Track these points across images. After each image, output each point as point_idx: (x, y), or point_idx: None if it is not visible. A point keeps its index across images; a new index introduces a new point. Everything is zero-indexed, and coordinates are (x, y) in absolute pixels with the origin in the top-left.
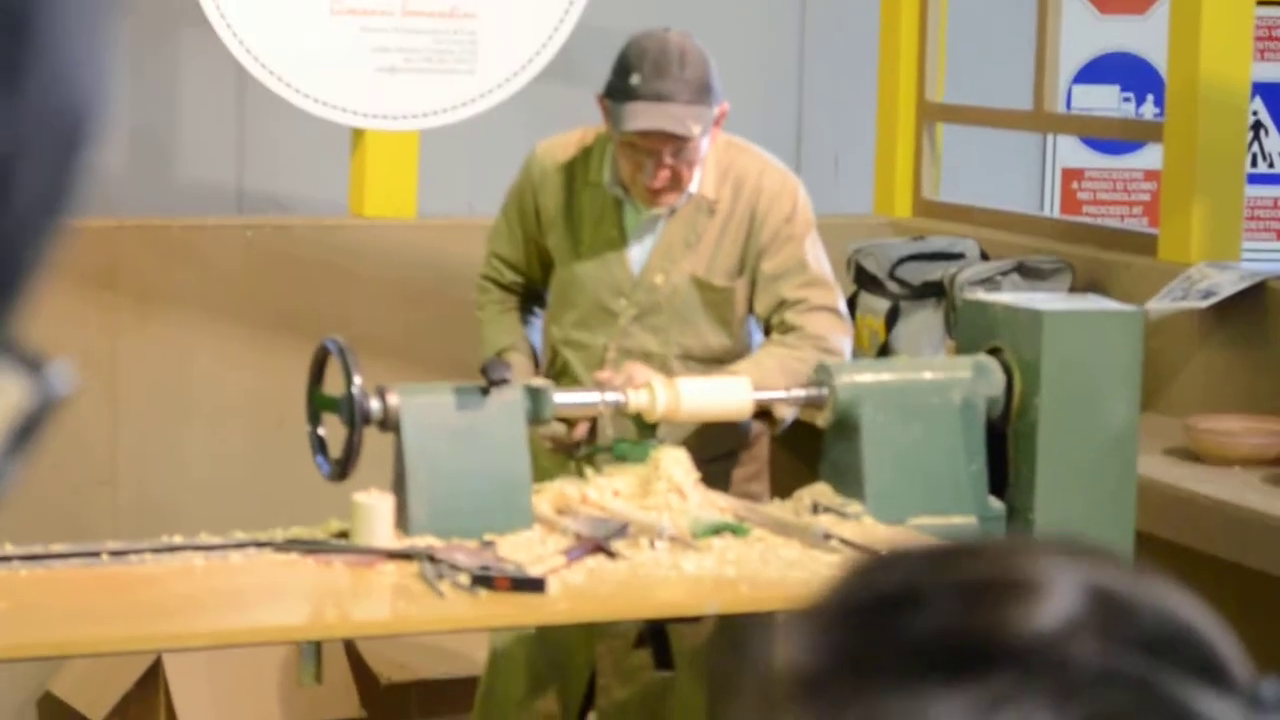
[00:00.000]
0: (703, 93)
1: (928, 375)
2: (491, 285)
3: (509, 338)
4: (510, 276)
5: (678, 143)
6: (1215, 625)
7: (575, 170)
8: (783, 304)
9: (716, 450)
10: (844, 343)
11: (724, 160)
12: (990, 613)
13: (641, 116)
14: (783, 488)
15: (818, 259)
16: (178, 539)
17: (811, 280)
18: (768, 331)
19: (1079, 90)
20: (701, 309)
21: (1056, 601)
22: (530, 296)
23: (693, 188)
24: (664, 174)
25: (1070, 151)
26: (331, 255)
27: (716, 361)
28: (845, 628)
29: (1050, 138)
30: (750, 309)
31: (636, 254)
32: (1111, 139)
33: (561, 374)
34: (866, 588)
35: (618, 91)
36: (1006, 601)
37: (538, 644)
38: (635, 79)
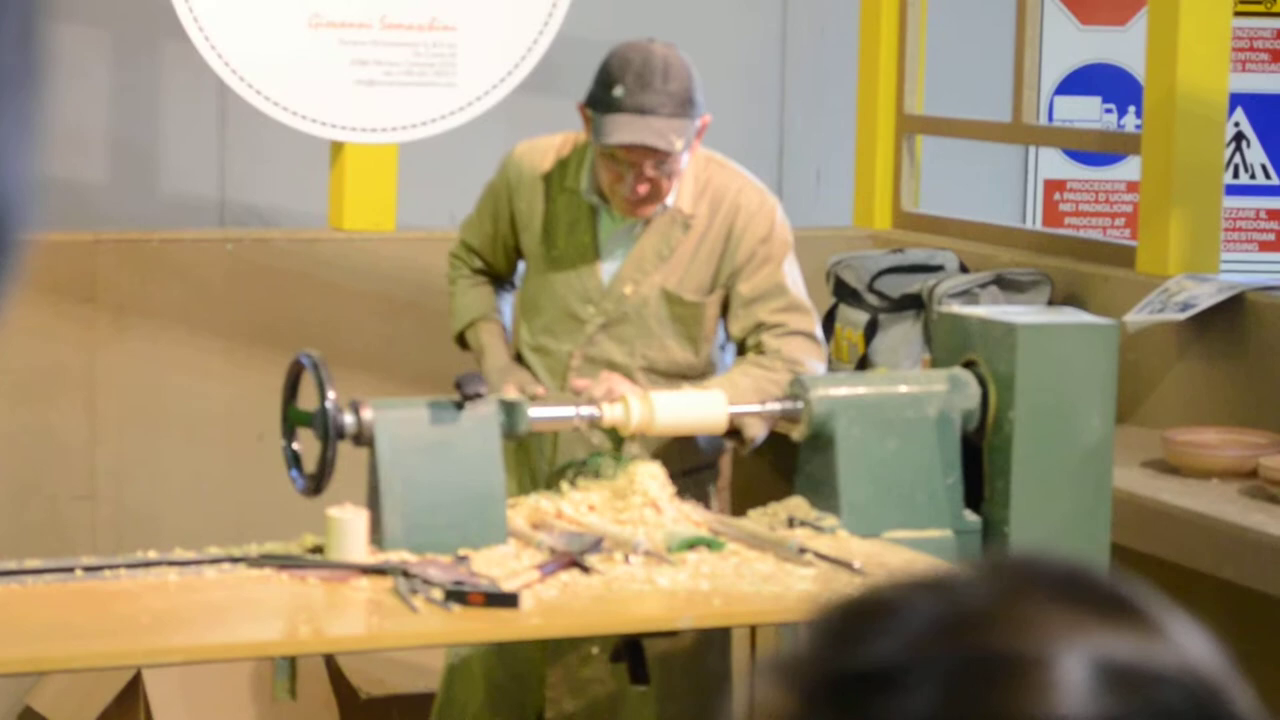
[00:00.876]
0: (685, 105)
1: (903, 389)
2: (461, 263)
3: (482, 308)
4: (478, 263)
5: (659, 156)
6: (1229, 676)
7: (552, 175)
8: (760, 326)
9: (679, 467)
10: (819, 368)
11: (702, 176)
12: (993, 698)
13: (624, 130)
14: (758, 501)
15: (795, 282)
16: (152, 554)
17: (790, 305)
18: (741, 352)
19: (1061, 102)
20: (669, 323)
21: (1063, 685)
22: (499, 279)
23: (669, 200)
24: (644, 186)
25: (1052, 163)
26: (311, 268)
27: (680, 376)
28: (828, 704)
29: (1033, 150)
30: (723, 328)
31: (608, 264)
32: (1090, 151)
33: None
34: (854, 655)
35: (600, 102)
36: (1010, 685)
37: (495, 656)
38: (618, 91)
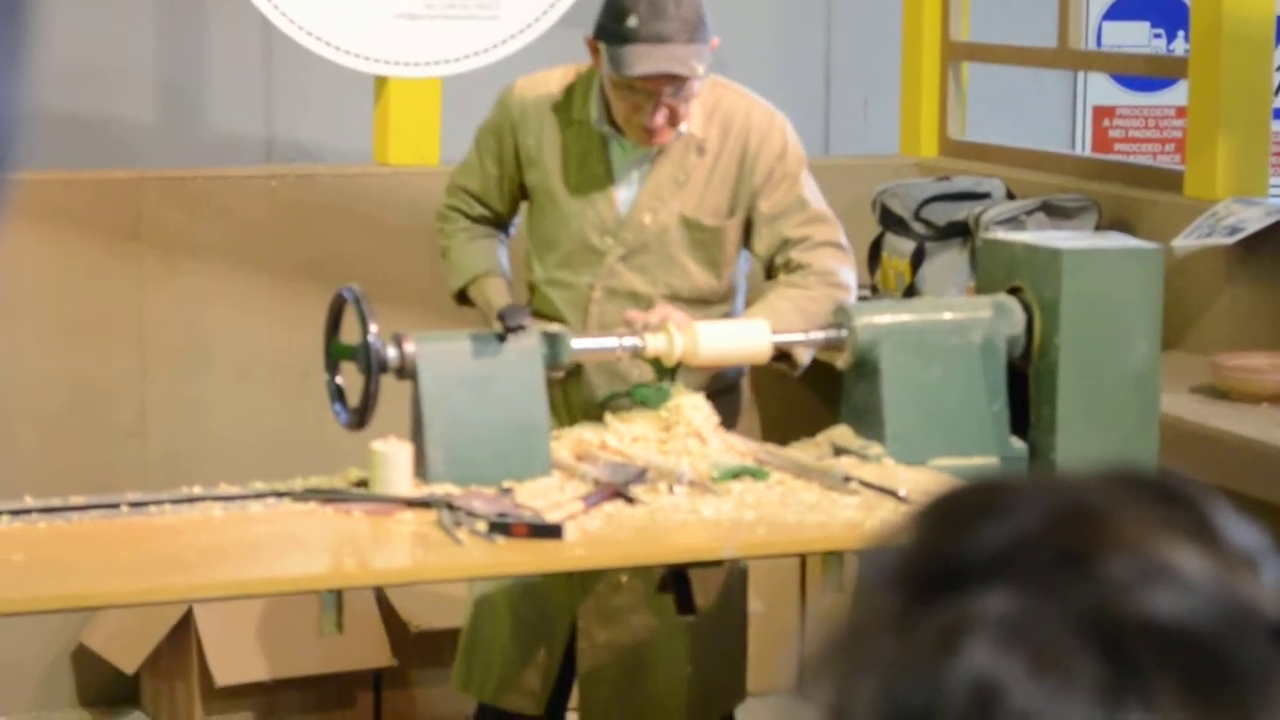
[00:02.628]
0: (699, 29)
1: (947, 315)
2: (458, 215)
3: (484, 263)
4: (479, 210)
5: (678, 82)
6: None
7: (558, 108)
8: (786, 243)
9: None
10: (850, 276)
11: (710, 99)
12: (1105, 595)
13: (644, 60)
14: (801, 429)
15: (814, 194)
16: (197, 489)
17: (812, 217)
18: (770, 272)
19: (1109, 27)
20: (689, 249)
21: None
22: (498, 226)
23: (683, 126)
24: (662, 114)
25: (1101, 89)
26: (356, 203)
27: (704, 302)
28: (933, 593)
29: (1081, 76)
30: (749, 249)
31: (623, 193)
32: (1137, 75)
33: (542, 314)
34: (964, 545)
35: (612, 34)
36: (1124, 586)
37: (521, 589)
38: (633, 21)
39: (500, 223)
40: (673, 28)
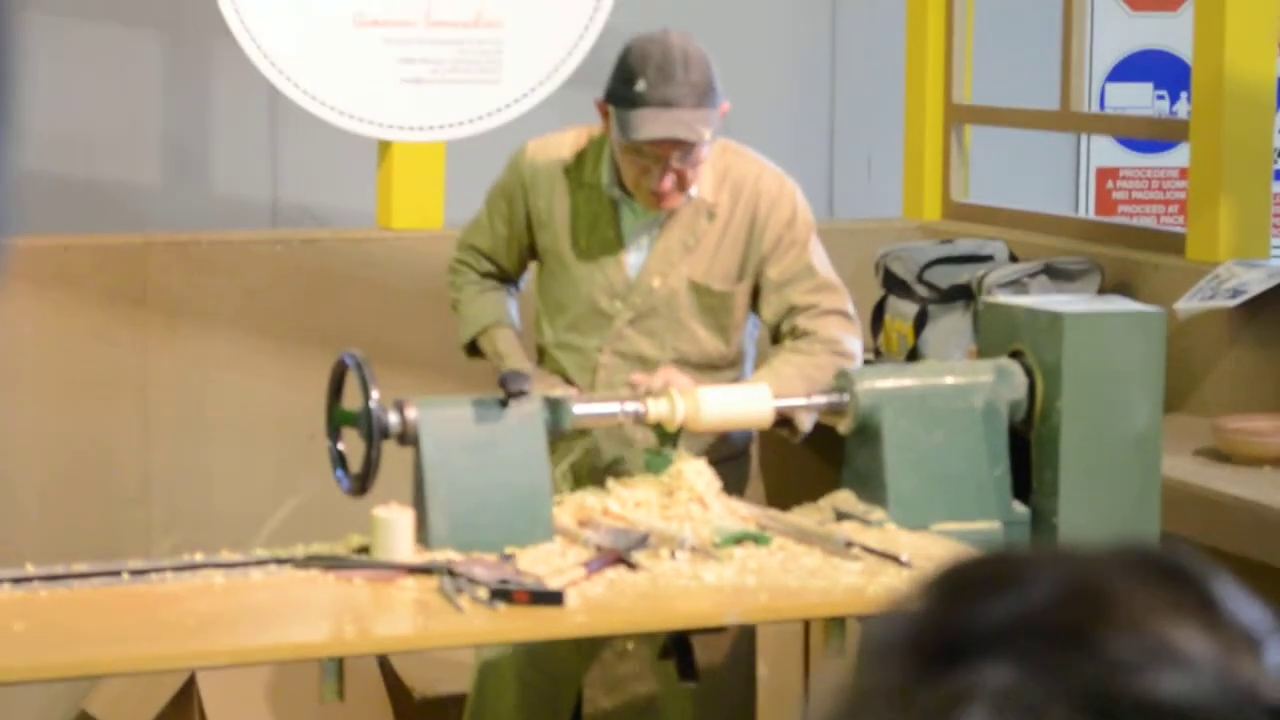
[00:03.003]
0: (708, 95)
1: (949, 380)
2: (467, 269)
3: (493, 314)
4: (487, 266)
5: (685, 147)
6: None
7: (569, 171)
8: (793, 310)
9: (711, 457)
10: (856, 345)
11: (720, 164)
12: (1104, 676)
13: (651, 124)
14: (803, 494)
15: (823, 261)
16: (199, 557)
17: (820, 285)
18: (776, 337)
19: (1112, 89)
20: (698, 314)
21: (1174, 672)
22: (507, 281)
23: (693, 191)
24: (670, 178)
25: (1105, 151)
26: (360, 268)
27: (711, 367)
28: (934, 663)
29: (1084, 138)
30: (756, 314)
31: (633, 257)
32: (1139, 138)
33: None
34: (970, 617)
35: (621, 98)
36: (1125, 668)
37: (526, 655)
38: (641, 85)
39: (509, 278)
40: (680, 93)
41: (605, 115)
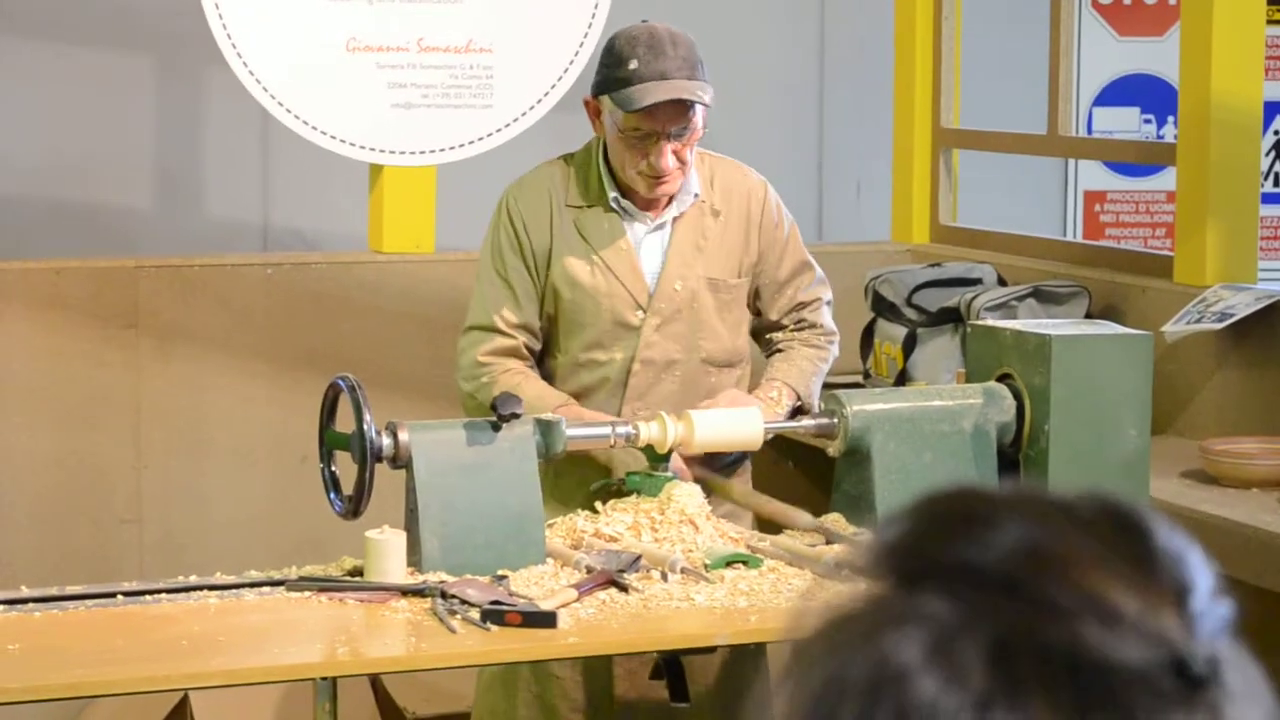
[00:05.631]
0: (699, 68)
1: (938, 403)
2: (507, 358)
3: (559, 396)
4: (525, 338)
5: (682, 121)
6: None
7: (561, 199)
8: (800, 305)
9: (710, 465)
10: (834, 327)
11: (705, 169)
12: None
13: (649, 93)
14: None
15: (804, 249)
16: (193, 578)
17: (816, 278)
18: (769, 330)
19: (1100, 113)
20: (717, 310)
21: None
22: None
23: (696, 189)
24: (667, 157)
25: (1093, 174)
26: (351, 291)
27: (729, 364)
28: (916, 584)
29: (1072, 162)
30: (757, 310)
31: (649, 265)
32: (1126, 162)
33: (577, 397)
34: (949, 550)
35: (615, 81)
36: (1072, 627)
37: (530, 667)
38: (634, 64)
39: (535, 350)
40: (674, 65)
41: (595, 113)
